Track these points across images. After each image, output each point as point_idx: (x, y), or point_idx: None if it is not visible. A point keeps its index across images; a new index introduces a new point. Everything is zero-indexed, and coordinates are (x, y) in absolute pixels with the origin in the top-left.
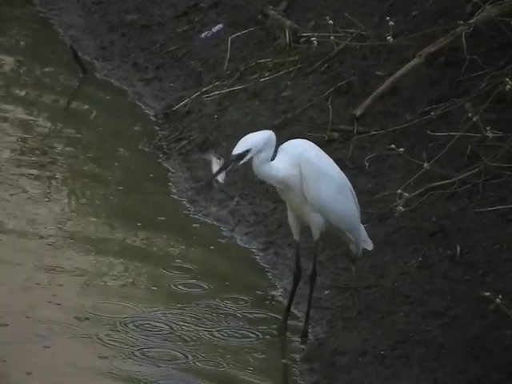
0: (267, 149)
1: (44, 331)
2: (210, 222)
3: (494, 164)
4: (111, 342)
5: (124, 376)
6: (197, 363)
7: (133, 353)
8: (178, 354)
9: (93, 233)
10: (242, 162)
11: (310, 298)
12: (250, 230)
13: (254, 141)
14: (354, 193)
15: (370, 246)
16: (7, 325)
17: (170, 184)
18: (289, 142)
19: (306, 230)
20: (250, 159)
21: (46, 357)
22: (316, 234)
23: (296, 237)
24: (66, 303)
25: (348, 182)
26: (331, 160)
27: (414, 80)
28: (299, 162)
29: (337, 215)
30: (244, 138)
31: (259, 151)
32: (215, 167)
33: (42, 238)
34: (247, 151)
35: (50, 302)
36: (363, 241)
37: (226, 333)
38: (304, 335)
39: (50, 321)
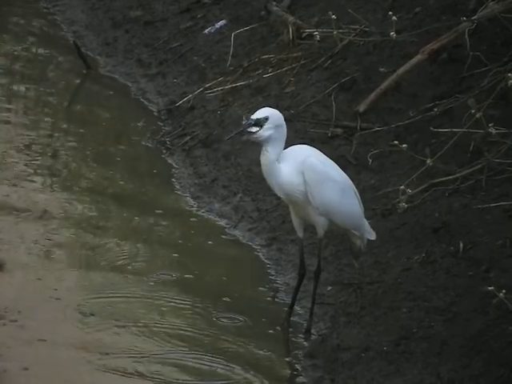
0: (279, 139)
1: (46, 326)
2: (213, 217)
3: (497, 160)
4: (113, 339)
5: (123, 374)
6: (199, 360)
7: (134, 350)
8: (179, 350)
9: (95, 228)
10: (258, 130)
11: (314, 294)
12: (253, 226)
13: (272, 112)
14: (356, 191)
15: (373, 236)
16: (16, 321)
17: (174, 180)
18: (289, 149)
19: (309, 226)
20: (265, 142)
21: (44, 352)
22: (320, 233)
23: (300, 234)
24: (71, 299)
25: (350, 181)
26: (333, 162)
27: (417, 76)
28: (302, 170)
29: (342, 216)
30: (262, 109)
31: (276, 126)
32: None
33: (45, 233)
34: (266, 118)
35: (55, 298)
36: (367, 232)
37: (229, 329)
38: (307, 331)
39: (54, 316)
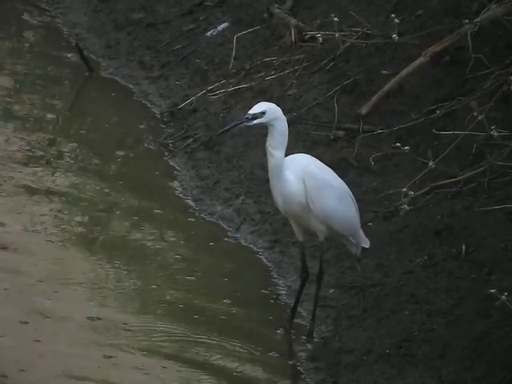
0: (280, 133)
1: (49, 328)
2: (215, 220)
3: (499, 163)
4: (112, 343)
5: (119, 377)
6: (202, 363)
7: (138, 353)
8: (181, 353)
9: (96, 230)
10: (255, 121)
11: (316, 297)
12: (255, 229)
13: (269, 106)
14: (353, 198)
15: (367, 244)
16: (27, 322)
17: (176, 182)
18: (288, 157)
19: (309, 231)
20: (266, 126)
21: (40, 353)
22: (321, 237)
23: (300, 238)
24: (77, 302)
25: (347, 188)
26: (330, 169)
27: (419, 79)
28: (303, 177)
29: (340, 223)
30: (259, 103)
31: (273, 120)
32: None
33: (45, 235)
34: (263, 113)
35: (57, 300)
36: (362, 240)
37: (230, 331)
38: (310, 334)
39: (58, 319)
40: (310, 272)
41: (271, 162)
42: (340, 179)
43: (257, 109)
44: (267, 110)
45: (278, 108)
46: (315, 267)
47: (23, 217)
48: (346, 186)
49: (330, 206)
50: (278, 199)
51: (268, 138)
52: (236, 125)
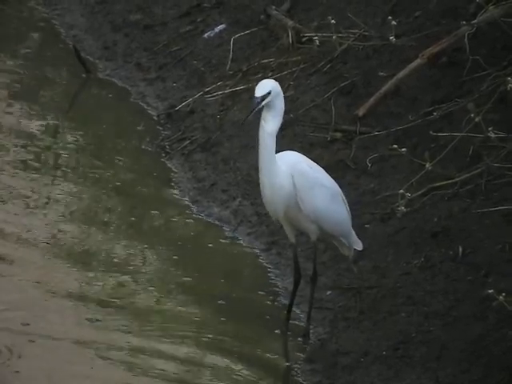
0: (278, 108)
1: (45, 331)
2: (212, 221)
3: (497, 164)
4: (110, 344)
5: (123, 378)
6: (198, 364)
7: (135, 354)
8: (179, 354)
9: (95, 231)
10: (264, 102)
11: (311, 299)
12: (252, 231)
13: (273, 84)
14: (344, 199)
15: (359, 246)
16: (28, 324)
17: (173, 184)
18: (279, 154)
19: (301, 231)
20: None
21: (36, 355)
22: (313, 237)
23: (292, 239)
24: (75, 303)
25: (338, 187)
26: (322, 169)
27: (416, 80)
28: (292, 173)
29: (331, 223)
30: (261, 83)
31: (276, 96)
32: None
33: (44, 238)
34: (269, 93)
35: (56, 301)
36: (354, 242)
37: (227, 333)
38: (305, 336)
39: (57, 321)
40: (306, 273)
41: (263, 137)
42: (331, 178)
43: (262, 90)
44: (272, 88)
45: (276, 82)
46: (311, 269)
47: (17, 220)
48: (338, 186)
49: (320, 205)
50: (267, 190)
51: (264, 112)
52: (253, 110)
